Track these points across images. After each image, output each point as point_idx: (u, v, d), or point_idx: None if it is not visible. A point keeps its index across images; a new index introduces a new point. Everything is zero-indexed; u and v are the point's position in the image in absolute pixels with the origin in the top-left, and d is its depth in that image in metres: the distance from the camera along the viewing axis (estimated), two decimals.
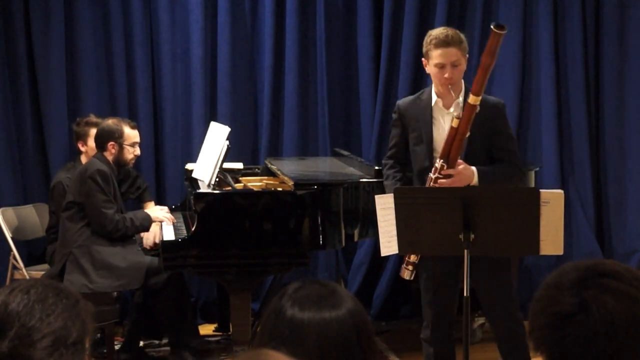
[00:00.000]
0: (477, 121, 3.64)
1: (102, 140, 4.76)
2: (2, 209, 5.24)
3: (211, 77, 5.80)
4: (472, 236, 3.25)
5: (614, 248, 5.95)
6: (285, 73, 5.83)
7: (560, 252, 3.34)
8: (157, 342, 5.09)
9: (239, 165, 5.35)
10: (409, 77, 5.83)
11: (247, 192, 4.61)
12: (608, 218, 5.99)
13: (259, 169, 5.50)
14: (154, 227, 4.86)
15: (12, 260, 5.15)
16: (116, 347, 4.84)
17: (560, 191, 3.38)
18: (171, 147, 5.72)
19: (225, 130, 4.92)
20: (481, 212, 3.24)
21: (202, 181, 4.81)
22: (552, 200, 3.29)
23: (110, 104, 5.67)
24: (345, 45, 5.94)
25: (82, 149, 5.13)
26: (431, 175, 3.68)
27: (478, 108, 3.59)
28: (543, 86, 5.83)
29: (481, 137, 3.76)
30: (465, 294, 3.31)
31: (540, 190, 3.29)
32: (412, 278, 3.80)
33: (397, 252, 3.52)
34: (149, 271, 4.62)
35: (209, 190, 4.48)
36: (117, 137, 4.75)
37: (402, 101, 4.00)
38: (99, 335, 4.85)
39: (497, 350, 4.01)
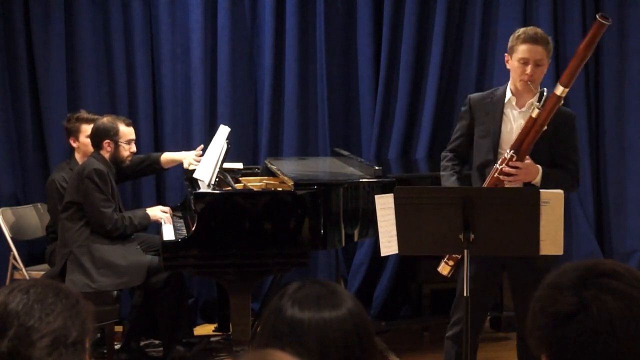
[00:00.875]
0: (548, 128, 3.61)
1: (97, 139, 4.76)
2: (2, 209, 5.23)
3: (211, 77, 5.80)
4: (472, 236, 3.24)
5: (614, 248, 5.95)
6: (285, 73, 5.84)
7: (560, 252, 3.34)
8: (157, 342, 5.09)
9: (239, 165, 5.35)
10: (409, 77, 5.83)
11: (247, 192, 4.61)
12: (608, 218, 5.99)
13: (259, 169, 5.50)
14: (158, 214, 4.88)
15: (11, 260, 5.15)
16: (116, 347, 4.84)
17: (560, 191, 3.37)
18: (171, 147, 5.71)
19: (225, 130, 4.92)
20: (481, 212, 3.24)
21: (202, 181, 4.80)
22: (552, 200, 3.29)
23: (110, 104, 5.66)
24: (345, 45, 5.94)
25: (74, 145, 5.12)
26: (497, 165, 3.64)
27: (562, 101, 3.56)
28: (543, 86, 5.81)
29: (549, 144, 3.71)
30: (465, 294, 3.31)
31: (540, 190, 3.29)
32: (449, 275, 3.75)
33: (397, 252, 3.51)
34: (149, 270, 4.63)
35: (209, 190, 4.48)
36: (112, 135, 4.75)
37: (475, 95, 3.97)
38: (98, 335, 4.85)
39: (501, 349, 4.00)
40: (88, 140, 4.89)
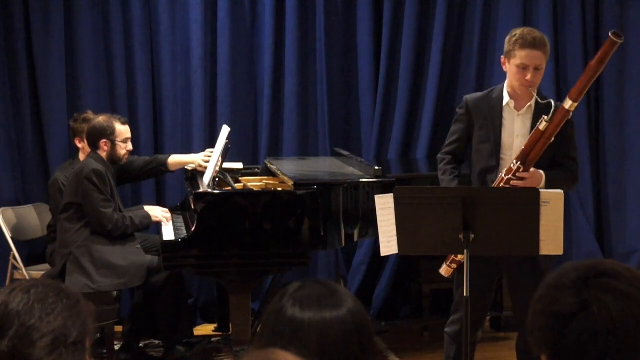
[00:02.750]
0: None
1: (94, 139, 4.75)
2: (2, 209, 5.24)
3: (211, 77, 5.80)
4: (472, 236, 3.25)
5: (614, 248, 5.95)
6: (285, 73, 5.83)
7: (560, 252, 3.34)
8: (157, 342, 5.09)
9: (239, 165, 5.35)
10: (409, 77, 5.83)
11: (247, 192, 4.61)
12: (608, 218, 5.99)
13: (259, 169, 5.50)
14: (159, 214, 4.89)
15: (12, 260, 5.15)
16: (116, 347, 4.85)
17: (560, 191, 3.37)
18: (171, 147, 5.71)
19: (225, 130, 4.92)
20: (481, 212, 3.24)
21: (202, 181, 4.81)
22: (552, 200, 3.29)
23: (110, 104, 5.66)
24: (345, 45, 5.94)
25: (79, 145, 5.12)
26: (503, 175, 3.60)
27: (571, 115, 3.53)
28: (543, 86, 5.79)
29: (549, 145, 3.65)
30: (465, 294, 3.31)
31: (540, 190, 3.29)
32: (450, 276, 3.73)
33: (397, 252, 3.51)
34: (149, 270, 4.63)
35: (209, 190, 4.48)
36: (109, 134, 4.74)
37: (471, 97, 3.89)
38: (98, 335, 4.85)
39: (501, 349, 4.00)
40: None
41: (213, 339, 5.31)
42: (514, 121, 3.73)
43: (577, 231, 5.86)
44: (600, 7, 5.91)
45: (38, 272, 5.08)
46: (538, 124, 3.56)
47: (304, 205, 4.27)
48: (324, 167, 5.58)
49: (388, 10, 5.81)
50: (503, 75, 5.78)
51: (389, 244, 3.58)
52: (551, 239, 3.30)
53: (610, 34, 3.43)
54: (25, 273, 5.05)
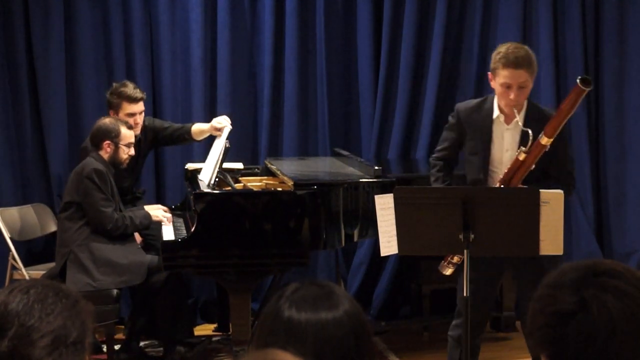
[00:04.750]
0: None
1: (97, 139, 4.76)
2: (1, 209, 5.24)
3: (211, 77, 5.80)
4: (472, 236, 3.25)
5: (614, 248, 5.95)
6: (285, 73, 5.83)
7: (560, 252, 3.34)
8: (157, 342, 5.10)
9: (239, 165, 5.35)
10: (409, 77, 5.83)
11: (247, 192, 4.61)
12: (608, 218, 5.99)
13: (258, 169, 5.50)
14: (160, 214, 4.90)
15: (11, 260, 5.15)
16: (116, 347, 4.85)
17: (560, 191, 3.38)
18: (171, 147, 5.71)
19: (226, 130, 4.92)
20: (481, 212, 3.24)
21: (202, 181, 4.81)
22: (552, 200, 3.29)
23: None
24: (345, 45, 5.94)
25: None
26: None
27: (548, 148, 3.53)
28: (543, 86, 5.83)
29: (540, 160, 3.64)
30: (465, 294, 3.31)
31: (540, 190, 3.29)
32: (450, 274, 3.74)
33: (397, 252, 3.51)
34: (149, 270, 4.63)
35: (209, 190, 4.48)
36: (113, 136, 4.75)
37: (463, 107, 3.88)
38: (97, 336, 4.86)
39: (501, 349, 4.00)
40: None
41: (213, 339, 5.31)
42: (503, 135, 3.74)
43: (577, 231, 5.86)
44: (600, 7, 5.91)
45: (37, 272, 5.08)
46: (517, 153, 3.57)
47: (304, 205, 4.27)
48: (324, 167, 5.58)
49: (388, 10, 5.81)
50: None
51: (389, 244, 3.58)
52: (551, 239, 3.30)
53: (577, 80, 3.42)
54: (24, 273, 5.04)
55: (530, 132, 3.55)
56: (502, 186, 3.59)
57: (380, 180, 4.54)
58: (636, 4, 5.86)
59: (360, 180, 4.53)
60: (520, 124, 3.65)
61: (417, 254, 3.90)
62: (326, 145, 5.86)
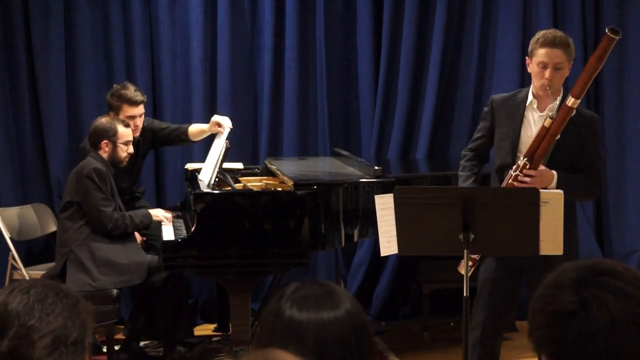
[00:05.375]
0: (568, 132, 3.57)
1: (95, 139, 4.76)
2: (1, 209, 5.24)
3: (211, 77, 5.80)
4: (472, 236, 3.25)
5: (613, 248, 5.95)
6: (285, 73, 5.83)
7: (560, 252, 3.34)
8: (157, 342, 5.10)
9: (239, 165, 5.35)
10: (409, 77, 5.83)
11: (247, 192, 4.61)
12: (608, 218, 5.99)
13: (258, 169, 5.50)
14: (160, 213, 4.91)
15: (11, 260, 5.15)
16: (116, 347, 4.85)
17: (560, 191, 3.38)
18: (171, 147, 5.71)
19: (226, 130, 4.92)
20: (481, 212, 3.24)
21: (202, 181, 4.81)
22: (552, 200, 3.29)
23: None
24: (345, 45, 5.94)
25: None
26: (511, 172, 3.60)
27: (574, 111, 3.53)
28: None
29: (569, 149, 3.65)
30: (465, 294, 3.31)
31: (540, 190, 3.29)
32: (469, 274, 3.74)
33: (397, 252, 3.51)
34: (149, 270, 4.63)
35: (209, 190, 4.48)
36: (110, 135, 4.75)
37: (498, 96, 3.92)
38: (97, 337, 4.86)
39: (502, 349, 3.98)
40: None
41: (213, 339, 5.31)
42: (536, 121, 3.72)
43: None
44: (600, 7, 5.91)
45: (37, 272, 5.08)
46: (544, 120, 3.57)
47: (304, 205, 4.27)
48: (323, 167, 5.58)
49: (388, 10, 5.81)
50: (502, 76, 5.83)
51: (388, 244, 3.58)
52: (551, 239, 3.30)
53: (606, 30, 3.44)
54: (24, 273, 5.05)
55: (557, 103, 3.58)
56: (525, 159, 3.55)
57: (380, 180, 4.55)
58: (636, 4, 5.86)
59: (360, 180, 4.53)
60: (556, 107, 3.60)
61: (417, 254, 3.90)
62: (326, 145, 5.86)
